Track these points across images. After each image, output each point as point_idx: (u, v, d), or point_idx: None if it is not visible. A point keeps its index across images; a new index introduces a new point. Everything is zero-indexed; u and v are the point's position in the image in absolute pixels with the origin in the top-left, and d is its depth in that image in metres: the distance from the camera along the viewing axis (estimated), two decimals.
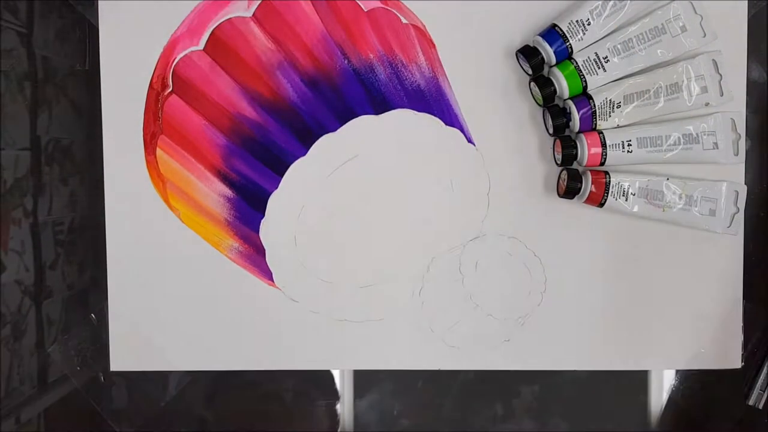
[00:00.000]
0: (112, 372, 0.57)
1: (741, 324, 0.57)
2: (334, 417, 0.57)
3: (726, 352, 0.57)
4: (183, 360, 0.57)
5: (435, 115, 0.56)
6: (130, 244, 0.57)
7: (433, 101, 0.56)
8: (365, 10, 0.56)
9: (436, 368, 0.57)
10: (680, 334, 0.57)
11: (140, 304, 0.57)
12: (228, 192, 0.56)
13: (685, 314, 0.57)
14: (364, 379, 0.57)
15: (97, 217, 0.57)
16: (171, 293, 0.57)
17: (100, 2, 0.56)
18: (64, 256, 0.57)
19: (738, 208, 0.55)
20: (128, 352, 0.57)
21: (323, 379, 0.57)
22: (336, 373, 0.57)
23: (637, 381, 0.58)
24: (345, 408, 0.57)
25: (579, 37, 0.53)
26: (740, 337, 0.57)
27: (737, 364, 0.57)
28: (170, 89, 0.56)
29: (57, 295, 0.57)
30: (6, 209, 0.56)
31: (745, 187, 0.55)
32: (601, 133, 0.54)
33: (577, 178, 0.54)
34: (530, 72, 0.55)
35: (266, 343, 0.57)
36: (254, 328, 0.57)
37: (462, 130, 0.56)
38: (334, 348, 0.57)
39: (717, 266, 0.57)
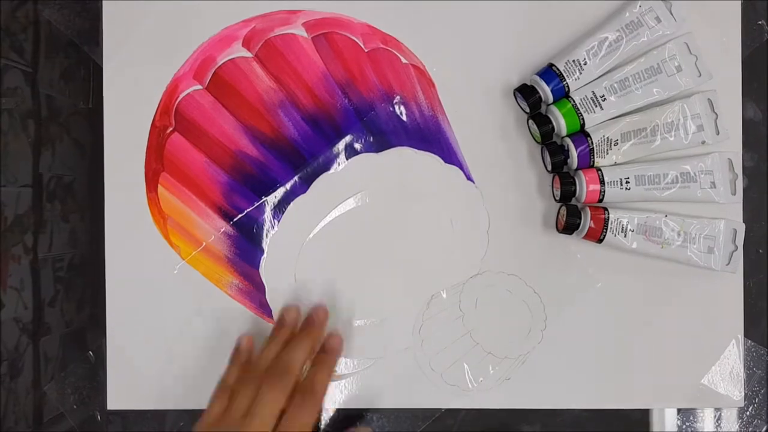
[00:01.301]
0: (109, 411, 0.57)
1: (742, 362, 0.56)
2: None
3: (727, 390, 0.57)
4: (181, 399, 0.56)
5: (435, 153, 0.56)
6: (129, 282, 0.56)
7: (433, 139, 0.56)
8: (366, 50, 0.57)
9: (436, 407, 0.56)
10: (681, 372, 0.56)
11: (138, 342, 0.56)
12: (229, 229, 0.56)
13: (686, 352, 0.56)
14: (363, 418, 0.57)
15: (97, 254, 0.57)
16: (170, 331, 0.56)
17: (105, 42, 0.56)
18: (63, 293, 0.57)
19: (736, 246, 0.55)
20: (126, 390, 0.56)
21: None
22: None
23: (639, 420, 0.57)
24: None
25: (576, 76, 0.54)
26: (742, 375, 0.56)
27: (739, 402, 0.57)
28: (173, 127, 0.56)
29: (55, 332, 0.57)
30: (6, 246, 0.56)
31: (744, 225, 0.55)
32: (600, 170, 0.54)
33: (576, 214, 0.54)
34: (528, 110, 0.56)
35: None
36: None
37: (461, 167, 0.56)
38: (332, 386, 0.56)
39: (717, 303, 0.57)
